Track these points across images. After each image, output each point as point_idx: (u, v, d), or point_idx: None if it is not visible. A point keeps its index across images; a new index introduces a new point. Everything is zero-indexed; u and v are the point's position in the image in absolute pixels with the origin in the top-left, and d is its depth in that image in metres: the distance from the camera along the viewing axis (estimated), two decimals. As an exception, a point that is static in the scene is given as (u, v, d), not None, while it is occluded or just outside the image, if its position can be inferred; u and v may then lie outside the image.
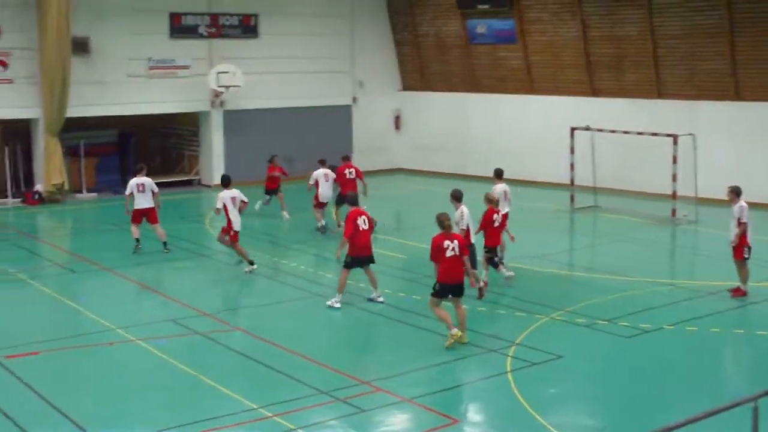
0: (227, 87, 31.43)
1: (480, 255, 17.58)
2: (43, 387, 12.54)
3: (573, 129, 27.12)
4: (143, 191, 21.02)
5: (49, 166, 28.93)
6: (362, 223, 16.45)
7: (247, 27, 32.97)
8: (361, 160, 35.11)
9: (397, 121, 36.72)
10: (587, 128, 26.80)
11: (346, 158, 24.30)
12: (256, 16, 33.03)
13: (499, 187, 19.39)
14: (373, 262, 16.80)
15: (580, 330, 15.09)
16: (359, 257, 16.54)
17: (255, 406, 11.75)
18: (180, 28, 31.69)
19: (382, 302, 16.69)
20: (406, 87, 36.71)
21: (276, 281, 19.26)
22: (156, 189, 21.35)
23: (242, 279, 19.27)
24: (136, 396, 12.48)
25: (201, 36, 32.10)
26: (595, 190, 27.07)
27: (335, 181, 23.55)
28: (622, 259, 20.57)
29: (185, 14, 31.73)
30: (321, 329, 15.79)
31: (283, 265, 20.58)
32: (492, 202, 17.65)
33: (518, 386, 12.46)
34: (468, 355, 13.99)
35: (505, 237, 19.06)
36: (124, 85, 30.65)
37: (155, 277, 19.39)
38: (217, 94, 31.83)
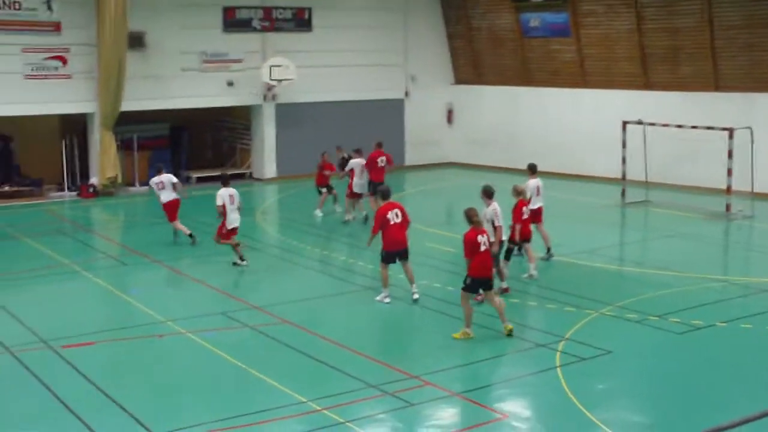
0: (280, 80, 31.58)
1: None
2: (97, 377, 12.74)
3: (625, 123, 26.83)
4: (163, 188, 21.65)
5: (104, 159, 29.34)
6: (394, 216, 16.17)
7: (301, 20, 33.09)
8: (413, 154, 35.31)
9: (450, 115, 36.62)
10: (639, 122, 26.51)
11: (379, 145, 24.19)
12: (309, 9, 33.14)
13: (533, 182, 19.33)
14: (406, 257, 16.43)
15: (630, 325, 14.94)
16: (392, 252, 16.26)
17: (304, 400, 11.80)
18: (233, 21, 31.90)
19: (416, 299, 16.41)
20: (459, 80, 36.60)
21: (325, 274, 19.37)
22: (175, 180, 22.00)
23: (292, 272, 19.39)
24: (186, 388, 12.60)
25: (254, 29, 32.27)
26: (647, 185, 26.76)
27: (364, 167, 23.55)
28: (674, 255, 20.32)
29: (239, 8, 31.92)
30: (370, 323, 15.80)
31: (333, 258, 20.65)
32: (521, 195, 17.58)
33: (567, 382, 12.38)
34: (517, 349, 13.95)
35: (545, 229, 19.20)
36: (177, 78, 30.94)
37: (205, 270, 19.49)
38: (269, 88, 32.00)
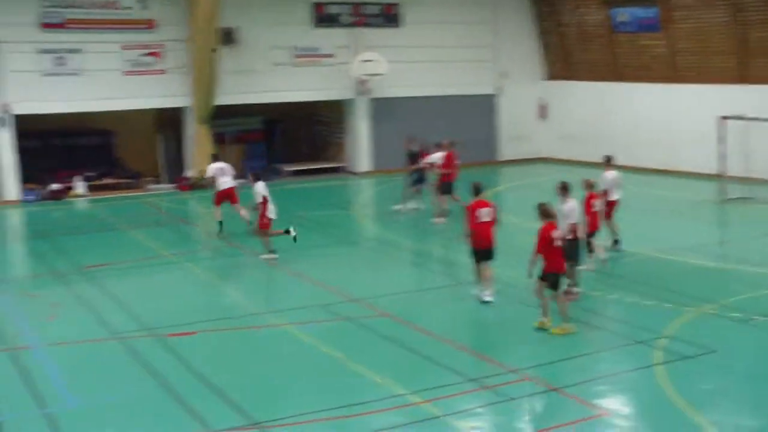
0: (371, 75, 31.76)
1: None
2: (200, 365, 13.01)
3: (723, 118, 26.26)
4: (223, 174, 22.50)
5: (199, 153, 29.85)
6: (484, 214, 15.90)
7: (389, 16, 33.27)
8: (505, 149, 35.19)
9: (541, 110, 36.38)
10: (739, 117, 25.90)
11: (452, 144, 24.08)
12: (397, 5, 33.30)
13: (609, 174, 19.30)
14: (491, 257, 16.07)
15: (734, 325, 14.59)
16: (477, 249, 15.98)
17: (403, 392, 11.84)
18: (323, 16, 32.24)
19: (488, 302, 15.97)
20: (550, 76, 36.34)
21: (422, 267, 19.45)
22: (234, 173, 22.87)
23: (389, 265, 19.51)
24: (285, 379, 12.75)
25: (344, 25, 32.52)
26: (745, 181, 26.17)
27: (443, 167, 23.49)
28: (779, 253, 19.75)
29: (328, 3, 32.23)
30: (467, 316, 15.75)
31: (429, 251, 20.69)
32: (591, 188, 17.52)
33: (668, 380, 12.19)
34: (615, 345, 13.83)
35: (616, 220, 19.22)
36: (269, 73, 31.39)
37: (304, 262, 19.66)
38: (362, 82, 32.19)
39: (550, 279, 14.21)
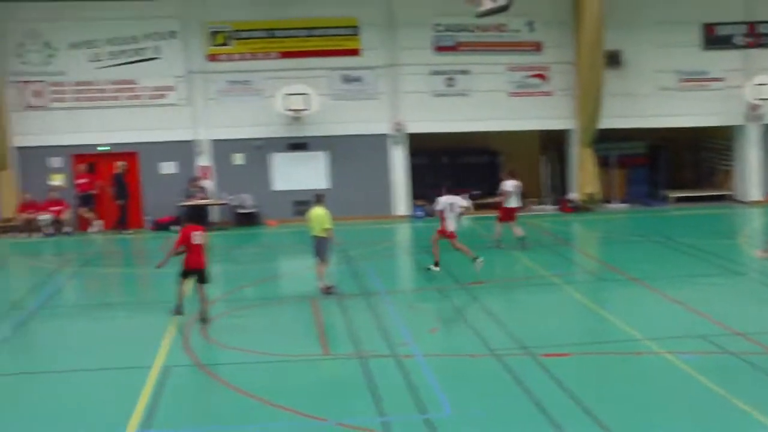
0: (764, 99, 30.32)
1: None
2: (574, 387, 12.99)
3: None
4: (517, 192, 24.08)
5: (582, 175, 30.07)
6: None
7: (788, 37, 31.56)
8: None
9: None
10: None
11: None
12: (799, 24, 31.46)
13: None
14: None
15: None
16: None
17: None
18: (713, 38, 31.30)
19: None
20: None
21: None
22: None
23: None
24: (659, 408, 12.37)
25: (736, 46, 31.27)
26: None
27: None
28: None
29: (719, 24, 31.18)
30: None
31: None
32: None
33: None
34: None
35: None
36: (653, 97, 30.98)
37: (685, 291, 19.08)
38: (754, 107, 30.76)
39: None
